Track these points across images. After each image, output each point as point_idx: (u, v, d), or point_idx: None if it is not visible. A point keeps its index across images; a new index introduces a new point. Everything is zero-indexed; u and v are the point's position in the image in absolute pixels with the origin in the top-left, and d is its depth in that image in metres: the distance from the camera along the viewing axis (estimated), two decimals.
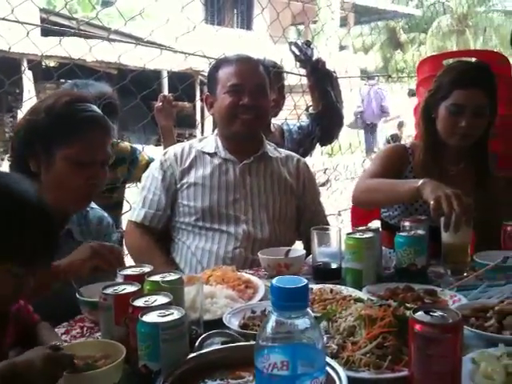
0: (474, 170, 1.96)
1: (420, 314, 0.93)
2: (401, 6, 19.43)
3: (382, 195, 1.84)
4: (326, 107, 2.70)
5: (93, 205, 1.70)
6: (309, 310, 0.67)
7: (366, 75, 13.67)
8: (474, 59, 2.87)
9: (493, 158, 2.93)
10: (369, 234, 1.53)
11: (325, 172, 7.54)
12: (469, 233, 1.64)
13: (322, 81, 2.70)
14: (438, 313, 0.92)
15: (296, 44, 2.72)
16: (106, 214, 1.74)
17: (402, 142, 2.18)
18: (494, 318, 1.19)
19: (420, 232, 1.58)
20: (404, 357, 1.01)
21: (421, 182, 1.64)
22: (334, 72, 2.86)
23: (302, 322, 0.67)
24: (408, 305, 1.19)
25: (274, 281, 0.68)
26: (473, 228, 1.93)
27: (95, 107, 1.54)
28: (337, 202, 5.35)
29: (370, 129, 12.86)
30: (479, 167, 1.96)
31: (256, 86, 1.97)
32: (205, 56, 3.10)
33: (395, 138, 11.19)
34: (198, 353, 0.99)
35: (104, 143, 1.52)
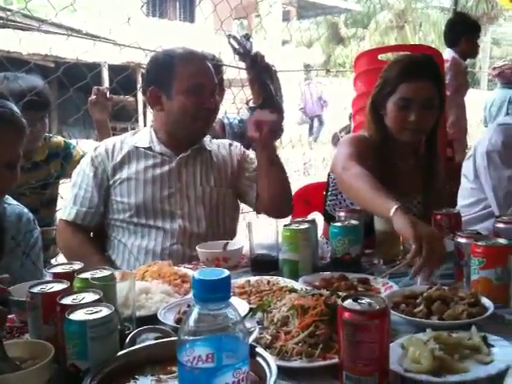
0: (423, 166, 1.98)
1: (348, 302, 0.95)
2: (342, 1, 19.75)
3: (360, 201, 1.72)
4: (266, 101, 2.71)
5: (11, 200, 1.60)
6: (231, 301, 0.67)
7: (308, 69, 13.85)
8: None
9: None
10: (305, 225, 1.55)
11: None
12: None
13: (262, 74, 2.71)
14: (366, 300, 0.95)
15: (234, 37, 2.71)
16: (25, 210, 1.65)
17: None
18: (423, 303, 1.23)
19: (354, 222, 1.61)
20: (335, 344, 1.03)
21: (393, 209, 1.47)
22: (274, 66, 2.88)
23: (225, 314, 0.66)
24: (340, 293, 1.22)
25: (196, 274, 0.68)
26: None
27: (8, 103, 1.40)
28: None
29: (313, 121, 13.20)
30: (428, 163, 1.98)
31: (214, 85, 1.94)
32: (141, 48, 3.05)
33: (348, 128, 11.46)
34: (128, 350, 0.97)
35: (7, 143, 1.37)
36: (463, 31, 3.83)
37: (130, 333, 1.05)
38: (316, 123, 13.35)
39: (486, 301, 1.23)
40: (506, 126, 2.15)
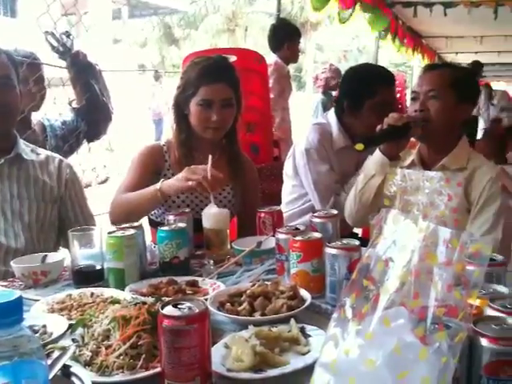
0: (228, 160, 2.04)
1: (168, 309, 0.93)
2: (173, 1, 19.76)
3: (135, 208, 1.80)
4: (91, 101, 2.59)
5: None
6: (23, 324, 0.61)
7: (142, 69, 13.63)
8: (234, 57, 3.06)
9: (254, 150, 3.17)
10: (130, 232, 1.50)
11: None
12: (227, 218, 1.72)
13: (84, 73, 2.58)
14: (186, 305, 0.94)
15: (52, 34, 2.55)
16: None
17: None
18: (247, 301, 1.26)
19: (181, 225, 1.60)
20: (158, 353, 1.01)
21: (159, 184, 1.75)
22: (97, 64, 2.76)
23: (19, 338, 0.60)
24: (167, 299, 1.20)
25: None
26: (235, 215, 2.05)
27: None
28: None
29: (157, 122, 13.03)
30: (232, 157, 2.04)
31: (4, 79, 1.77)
32: None
33: None
34: None
35: None
36: (285, 37, 4.02)
37: None
38: (160, 125, 13.20)
39: (304, 293, 1.30)
40: (319, 125, 2.33)
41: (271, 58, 3.90)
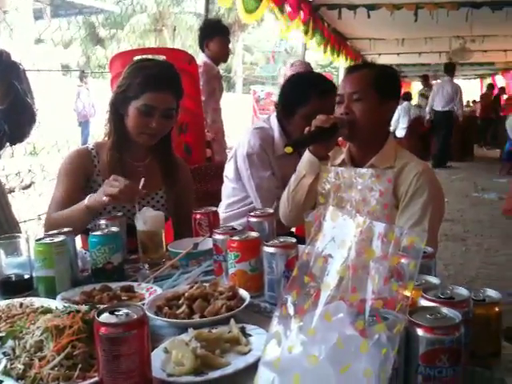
0: (160, 163, 2.01)
1: (104, 316, 0.90)
2: (99, 1, 19.24)
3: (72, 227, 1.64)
4: (14, 103, 2.46)
5: None
6: None
7: (66, 70, 13.19)
8: (163, 57, 3.01)
9: (187, 150, 3.14)
10: (59, 238, 1.44)
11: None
12: (161, 220, 1.69)
13: (7, 73, 2.45)
14: (123, 311, 0.91)
15: None
16: None
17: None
18: (185, 303, 1.24)
19: (113, 229, 1.56)
20: (95, 362, 0.97)
21: (86, 199, 1.72)
22: (21, 64, 2.64)
23: None
24: (103, 306, 1.16)
25: None
26: (170, 217, 2.02)
27: None
28: (38, 206, 5.00)
29: (84, 124, 12.61)
30: (164, 160, 2.01)
31: None
32: None
33: None
34: None
35: None
36: (213, 36, 3.98)
37: None
38: (87, 128, 12.77)
39: (243, 292, 1.29)
40: (261, 129, 2.32)
41: (200, 59, 3.86)
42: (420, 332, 0.81)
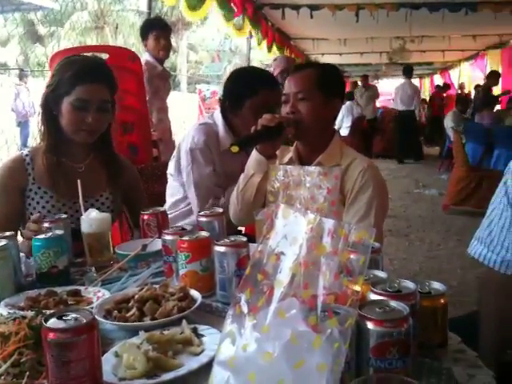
0: (103, 164, 1.96)
1: (52, 322, 0.87)
2: None
3: None
4: None
5: None
6: None
7: (4, 68, 12.70)
8: (106, 55, 2.95)
9: (132, 151, 3.09)
10: (1, 242, 1.38)
11: None
12: (108, 222, 1.67)
13: None
14: (72, 316, 0.89)
15: None
16: None
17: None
18: (135, 306, 1.22)
19: (58, 232, 1.51)
20: (43, 369, 0.94)
21: None
22: None
23: None
24: (50, 311, 1.13)
25: None
26: (116, 219, 1.98)
27: None
28: None
29: (23, 125, 12.15)
30: (107, 160, 1.96)
31: None
32: None
33: None
34: None
35: None
36: (149, 33, 3.89)
37: None
38: (26, 128, 12.30)
39: (194, 293, 1.29)
40: (205, 125, 2.30)
41: (143, 58, 3.79)
42: (370, 325, 0.83)
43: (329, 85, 1.85)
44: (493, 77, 9.25)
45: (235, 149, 1.70)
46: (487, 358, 1.12)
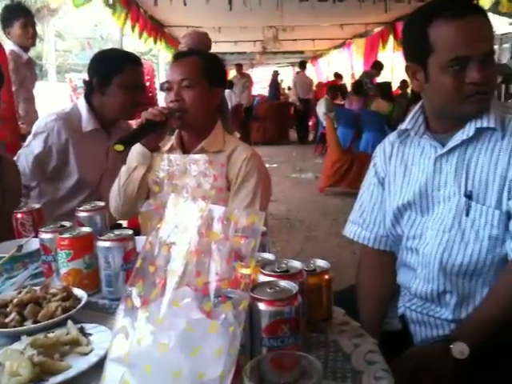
0: None
1: None
2: None
3: None
4: None
5: None
6: None
7: None
8: None
9: (0, 145, 2.87)
10: None
11: None
12: None
13: None
14: None
15: None
16: None
17: None
18: (14, 310, 1.14)
19: None
20: None
21: None
22: None
23: None
24: None
25: None
26: None
27: None
28: None
29: None
30: None
31: None
32: None
33: None
34: None
35: None
36: (13, 22, 3.66)
37: None
38: None
39: (78, 291, 1.23)
40: (60, 112, 2.24)
41: (7, 48, 3.52)
42: (262, 306, 0.85)
43: (213, 73, 1.86)
44: (376, 67, 9.81)
45: (119, 148, 1.64)
46: (369, 327, 1.20)
